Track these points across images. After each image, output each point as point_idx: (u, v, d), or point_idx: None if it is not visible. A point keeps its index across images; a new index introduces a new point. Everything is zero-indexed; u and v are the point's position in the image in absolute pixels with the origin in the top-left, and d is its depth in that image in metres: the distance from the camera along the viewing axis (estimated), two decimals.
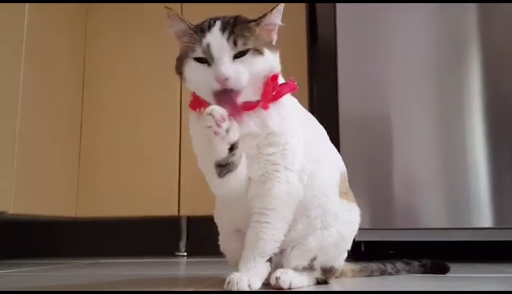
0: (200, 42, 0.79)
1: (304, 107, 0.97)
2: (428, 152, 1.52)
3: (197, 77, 0.80)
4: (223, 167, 0.81)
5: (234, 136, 0.79)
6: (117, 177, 1.97)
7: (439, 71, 1.56)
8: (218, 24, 0.81)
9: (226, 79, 0.77)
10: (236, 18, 0.83)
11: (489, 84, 1.52)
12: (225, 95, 0.78)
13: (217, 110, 0.76)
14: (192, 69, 0.81)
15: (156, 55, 2.03)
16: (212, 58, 0.78)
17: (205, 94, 0.80)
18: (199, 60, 0.80)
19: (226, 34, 0.79)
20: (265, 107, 0.83)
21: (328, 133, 0.98)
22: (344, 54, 1.62)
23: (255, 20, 0.84)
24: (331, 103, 1.65)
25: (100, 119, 2.03)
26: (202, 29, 0.81)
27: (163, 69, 2.01)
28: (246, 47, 0.79)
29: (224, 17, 0.84)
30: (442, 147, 1.52)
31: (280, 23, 0.86)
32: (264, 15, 0.85)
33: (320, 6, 2.26)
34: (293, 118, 0.87)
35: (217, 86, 0.78)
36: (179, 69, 0.84)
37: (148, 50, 2.04)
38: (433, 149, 1.52)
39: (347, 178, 0.97)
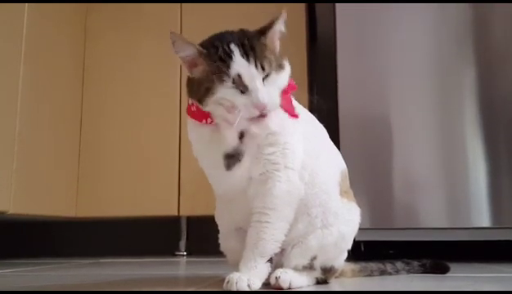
0: (228, 73, 0.78)
1: (304, 107, 0.97)
2: (428, 152, 1.52)
3: (234, 105, 0.79)
4: (232, 158, 0.83)
5: (243, 123, 0.80)
6: (117, 177, 1.97)
7: (439, 71, 1.56)
8: (236, 49, 0.79)
9: (265, 106, 0.78)
10: (248, 38, 0.82)
11: (489, 84, 1.52)
12: (257, 118, 0.79)
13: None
14: (227, 97, 0.78)
15: (156, 54, 2.03)
16: (245, 87, 0.78)
17: (239, 120, 0.79)
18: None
19: (253, 61, 0.78)
20: (296, 116, 0.86)
21: (328, 133, 0.98)
22: (344, 54, 1.62)
23: (263, 33, 0.83)
24: (331, 103, 1.65)
25: (100, 119, 2.04)
26: (222, 59, 0.79)
27: (162, 69, 2.01)
28: (272, 69, 0.80)
29: (232, 35, 0.82)
30: (441, 147, 1.52)
31: (283, 29, 0.86)
32: (271, 26, 0.84)
33: (319, 6, 2.26)
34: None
35: (257, 114, 0.78)
36: (199, 95, 0.81)
37: (148, 50, 2.05)
38: (433, 149, 1.52)
39: (347, 177, 0.97)
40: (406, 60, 1.58)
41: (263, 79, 0.79)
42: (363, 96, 1.58)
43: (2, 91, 1.56)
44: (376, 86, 1.58)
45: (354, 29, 1.63)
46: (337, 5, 1.65)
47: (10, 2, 1.61)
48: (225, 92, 0.78)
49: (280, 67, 0.82)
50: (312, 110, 1.00)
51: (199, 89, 0.81)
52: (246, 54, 0.79)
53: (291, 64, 0.86)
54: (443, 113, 1.53)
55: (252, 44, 0.80)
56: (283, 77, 0.82)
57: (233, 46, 0.80)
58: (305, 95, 1.85)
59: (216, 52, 0.80)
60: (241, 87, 0.78)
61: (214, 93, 0.79)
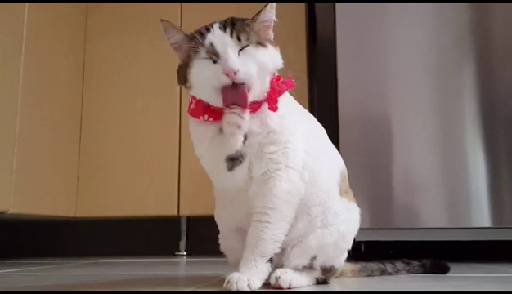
0: (203, 43, 0.79)
1: (304, 107, 0.97)
2: (428, 152, 1.52)
3: (204, 76, 0.80)
4: (235, 160, 0.83)
5: (247, 127, 0.81)
6: (117, 177, 1.97)
7: (439, 71, 1.56)
8: (217, 24, 0.81)
9: (236, 72, 0.77)
10: (232, 18, 0.84)
11: (489, 84, 1.52)
12: (234, 92, 0.78)
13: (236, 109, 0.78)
14: (198, 69, 0.80)
15: (156, 54, 2.03)
16: (217, 55, 0.79)
17: (213, 93, 0.79)
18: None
19: (229, 31, 0.80)
20: (274, 109, 0.84)
21: (328, 133, 0.98)
22: (344, 54, 1.62)
23: (252, 18, 0.85)
24: (331, 103, 1.65)
25: (99, 119, 2.04)
26: (201, 33, 0.81)
27: (162, 69, 2.01)
28: (249, 42, 0.80)
29: (219, 20, 0.84)
30: (441, 147, 1.52)
31: (274, 18, 0.87)
32: (259, 12, 0.86)
33: (319, 6, 2.26)
34: (292, 115, 0.87)
35: (226, 80, 0.77)
36: (183, 77, 0.82)
37: (148, 49, 2.05)
38: (433, 149, 1.52)
39: (347, 177, 0.97)
40: (406, 60, 1.58)
41: (240, 51, 0.79)
42: (363, 96, 1.58)
43: (2, 91, 1.57)
44: (376, 86, 1.58)
45: (354, 29, 1.63)
46: (337, 5, 1.65)
47: (10, 2, 1.61)
48: (198, 63, 0.80)
49: (261, 44, 0.82)
50: (312, 110, 1.00)
51: (181, 70, 0.83)
52: (224, 26, 0.80)
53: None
54: (443, 113, 1.53)
55: (233, 21, 0.82)
56: (263, 54, 0.81)
57: (215, 24, 0.82)
58: (305, 95, 1.86)
59: (198, 31, 0.82)
60: (213, 55, 0.79)
61: (191, 66, 0.80)
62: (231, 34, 0.79)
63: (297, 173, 0.86)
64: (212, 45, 0.79)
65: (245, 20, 0.85)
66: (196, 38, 0.80)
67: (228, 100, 0.78)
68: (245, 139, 0.82)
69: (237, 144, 0.81)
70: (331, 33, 1.68)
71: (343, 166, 0.98)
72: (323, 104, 2.06)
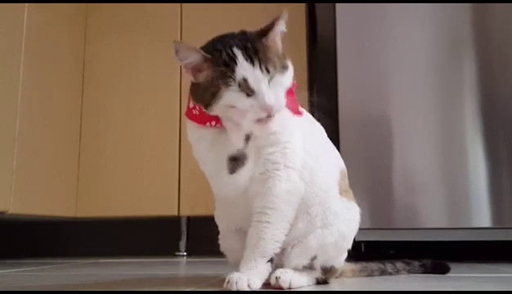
0: (233, 77, 0.77)
1: (304, 107, 0.97)
2: (428, 152, 1.52)
3: (240, 108, 0.78)
4: (237, 161, 0.83)
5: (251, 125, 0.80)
6: (117, 177, 1.97)
7: (439, 71, 1.56)
8: (239, 53, 0.79)
9: (272, 108, 0.77)
10: (250, 40, 0.81)
11: (489, 84, 1.52)
12: (266, 120, 0.78)
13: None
14: (233, 100, 0.78)
15: (156, 54, 2.03)
16: (251, 90, 0.77)
17: (247, 122, 0.79)
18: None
19: (257, 64, 0.78)
20: (300, 113, 0.86)
21: (328, 133, 0.98)
22: (344, 54, 1.62)
23: (264, 34, 0.83)
24: (331, 103, 1.65)
25: (100, 119, 2.04)
26: (226, 63, 0.78)
27: (163, 69, 2.01)
28: (276, 70, 0.80)
29: (234, 39, 0.82)
30: (442, 147, 1.52)
31: (284, 29, 0.86)
32: (272, 26, 0.84)
33: (320, 6, 2.26)
34: (292, 115, 0.87)
35: (264, 116, 0.77)
36: (208, 101, 0.80)
37: (148, 49, 2.05)
38: (433, 149, 1.52)
39: (346, 176, 0.97)
40: (406, 60, 1.58)
41: (268, 81, 0.79)
42: (363, 96, 1.58)
43: (2, 91, 1.56)
44: (376, 86, 1.58)
45: (354, 29, 1.63)
46: (337, 5, 1.65)
47: (10, 2, 1.61)
48: (231, 96, 0.78)
49: (284, 67, 0.82)
50: (312, 110, 1.00)
51: (204, 94, 0.80)
52: (250, 57, 0.78)
53: (291, 63, 0.86)
54: (443, 113, 1.53)
55: (255, 47, 0.80)
56: (287, 78, 0.82)
57: (236, 50, 0.79)
58: (305, 95, 1.86)
59: (220, 56, 0.79)
60: (247, 91, 0.77)
61: (220, 98, 0.78)
62: (261, 67, 0.78)
63: (296, 173, 0.86)
64: (245, 80, 0.77)
65: (260, 38, 0.82)
66: (224, 70, 0.78)
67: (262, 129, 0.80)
68: (248, 138, 0.82)
69: (239, 141, 0.82)
70: (331, 33, 1.68)
71: (343, 165, 0.98)
72: (323, 104, 2.06)
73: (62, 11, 1.94)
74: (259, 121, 0.78)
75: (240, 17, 1.94)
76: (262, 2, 1.93)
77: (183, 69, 0.83)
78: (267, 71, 0.79)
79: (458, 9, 1.57)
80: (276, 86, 0.79)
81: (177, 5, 2.06)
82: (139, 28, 2.07)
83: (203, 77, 0.81)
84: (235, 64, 0.78)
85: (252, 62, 0.78)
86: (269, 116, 0.78)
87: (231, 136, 0.81)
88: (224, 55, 0.79)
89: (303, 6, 1.98)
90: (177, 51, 0.80)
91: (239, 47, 0.79)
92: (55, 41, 1.88)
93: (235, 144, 0.82)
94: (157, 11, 2.07)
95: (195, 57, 0.81)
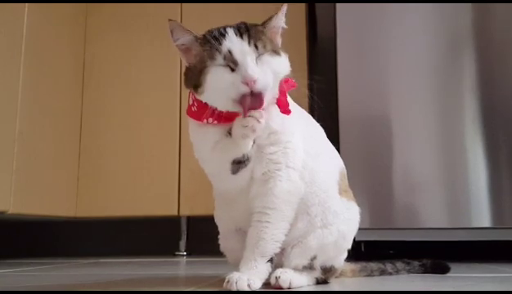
0: (219, 49, 0.78)
1: (304, 107, 0.97)
2: (428, 152, 1.52)
3: (222, 84, 0.77)
4: (241, 163, 0.83)
5: (261, 131, 0.81)
6: (117, 177, 1.97)
7: (439, 71, 1.56)
8: (231, 30, 0.80)
9: (255, 81, 0.76)
10: (245, 24, 0.82)
11: (489, 84, 1.52)
12: (252, 100, 0.77)
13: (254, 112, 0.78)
14: (216, 76, 0.78)
15: (156, 54, 2.03)
16: (235, 63, 0.77)
17: (229, 101, 0.78)
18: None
19: (246, 38, 0.78)
20: (288, 112, 0.84)
21: (328, 133, 0.98)
22: (344, 54, 1.62)
23: (262, 24, 0.84)
24: (331, 103, 1.65)
25: (100, 119, 2.04)
26: (215, 37, 0.79)
27: (163, 69, 2.02)
28: (266, 50, 0.80)
29: (229, 25, 0.82)
30: (441, 147, 1.52)
31: (284, 25, 0.86)
32: (270, 18, 0.84)
33: (320, 6, 2.26)
34: (292, 116, 0.87)
35: (245, 90, 0.76)
36: (193, 81, 0.81)
37: (148, 49, 2.05)
38: (433, 149, 1.52)
39: (346, 176, 0.97)
40: (406, 60, 1.58)
41: (256, 59, 0.78)
42: (363, 96, 1.58)
43: (2, 91, 1.56)
44: (376, 86, 1.58)
45: (354, 29, 1.63)
46: (337, 5, 1.65)
47: (10, 2, 1.61)
48: (215, 71, 0.78)
49: (275, 52, 0.82)
50: (312, 110, 1.00)
51: (193, 74, 0.81)
52: (240, 33, 0.79)
53: (291, 64, 0.85)
54: (443, 113, 1.53)
55: (248, 27, 0.81)
56: (278, 62, 0.81)
57: (228, 28, 0.80)
58: (305, 96, 1.85)
59: (211, 35, 0.81)
60: (231, 63, 0.77)
61: (206, 73, 0.78)
62: (249, 42, 0.78)
63: (297, 173, 0.86)
64: (230, 52, 0.77)
65: (257, 25, 0.83)
66: (211, 43, 0.79)
67: (247, 108, 0.77)
68: (254, 142, 0.82)
69: (247, 147, 0.81)
70: (331, 33, 1.68)
71: (342, 165, 0.98)
72: (323, 104, 2.06)
73: (62, 11, 1.94)
74: (244, 99, 0.77)
75: (240, 17, 1.92)
76: (262, 2, 1.93)
77: (178, 51, 0.84)
78: (256, 47, 0.79)
79: (458, 9, 1.57)
80: (263, 64, 0.79)
81: (177, 5, 2.06)
82: (139, 28, 2.07)
83: (193, 56, 0.83)
84: (224, 38, 0.79)
85: (241, 36, 0.79)
86: (255, 95, 0.76)
87: (239, 142, 0.81)
88: (216, 32, 0.80)
89: (303, 6, 1.98)
90: (171, 31, 0.82)
91: (232, 27, 0.81)
92: (55, 41, 1.88)
93: (243, 149, 0.82)
94: (157, 11, 2.07)
95: (187, 38, 0.82)
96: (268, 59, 0.80)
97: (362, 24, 1.63)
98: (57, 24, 1.90)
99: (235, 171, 0.84)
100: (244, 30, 0.80)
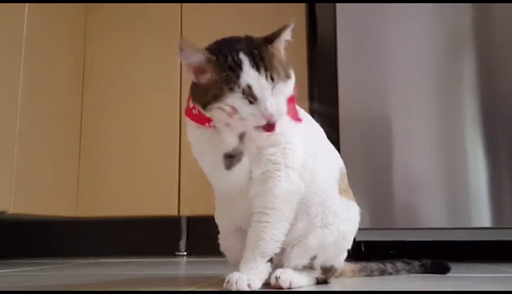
0: (238, 83, 0.77)
1: (304, 107, 0.97)
2: (428, 152, 1.52)
3: (241, 115, 0.78)
4: (233, 158, 0.83)
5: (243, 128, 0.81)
6: (117, 177, 1.97)
7: (439, 71, 1.56)
8: (246, 60, 0.79)
9: (273, 116, 0.77)
10: (256, 47, 0.81)
11: (489, 84, 1.52)
12: (267, 127, 0.79)
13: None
14: (235, 107, 0.77)
15: (156, 54, 2.03)
16: (255, 98, 0.77)
17: (244, 128, 0.80)
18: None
19: (263, 72, 0.78)
20: (300, 120, 0.86)
21: (328, 133, 0.98)
22: (344, 54, 1.62)
23: (270, 41, 0.83)
24: (331, 103, 1.65)
25: (100, 119, 2.03)
26: (232, 68, 0.78)
27: (163, 69, 2.02)
28: (280, 79, 0.80)
29: (240, 43, 0.81)
30: (442, 147, 1.52)
31: (290, 38, 0.86)
32: (278, 34, 0.84)
33: (320, 6, 2.26)
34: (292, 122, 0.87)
35: (264, 122, 0.78)
36: (208, 102, 0.79)
37: (148, 50, 2.05)
38: (433, 149, 1.52)
39: (346, 176, 0.98)
40: (406, 60, 1.58)
41: (271, 89, 0.79)
42: (363, 96, 1.58)
43: (2, 91, 1.56)
44: (376, 86, 1.58)
45: (354, 29, 1.63)
46: (337, 5, 1.65)
47: (10, 2, 1.61)
48: (233, 101, 0.78)
49: (287, 76, 0.82)
50: (312, 110, 1.00)
51: (205, 95, 0.80)
52: (256, 64, 0.78)
53: (291, 64, 0.86)
54: (443, 113, 1.53)
55: (261, 54, 0.80)
56: (289, 86, 0.82)
57: (242, 56, 0.79)
58: (305, 96, 1.86)
59: (225, 61, 0.79)
60: (250, 98, 0.78)
61: (222, 101, 0.78)
62: (266, 76, 0.78)
63: (296, 173, 0.86)
64: (249, 87, 0.77)
65: (266, 45, 0.82)
66: (229, 74, 0.78)
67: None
68: (242, 137, 0.83)
69: (231, 139, 0.82)
70: (332, 33, 1.68)
71: (342, 165, 0.98)
72: (323, 104, 2.06)
73: (62, 11, 1.94)
74: (258, 128, 0.79)
75: (240, 17, 1.94)
76: (262, 2, 1.93)
77: (185, 68, 0.83)
78: (272, 79, 0.79)
79: (458, 9, 1.57)
80: (278, 94, 0.79)
81: (177, 5, 2.06)
82: (139, 28, 2.07)
83: (206, 78, 0.81)
84: (241, 70, 0.78)
85: (258, 69, 0.78)
86: (269, 124, 0.78)
87: (224, 136, 0.82)
88: (230, 59, 0.79)
89: (303, 6, 1.98)
90: (181, 49, 0.80)
91: (245, 53, 0.79)
92: (55, 41, 1.88)
93: (230, 142, 0.82)
94: (157, 11, 2.07)
95: (199, 57, 0.80)
96: (282, 87, 0.80)
97: (362, 24, 1.63)
98: (57, 24, 1.90)
99: (228, 166, 0.84)
100: (258, 60, 0.79)
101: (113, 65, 2.06)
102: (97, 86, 2.06)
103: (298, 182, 0.86)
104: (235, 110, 0.78)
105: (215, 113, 0.80)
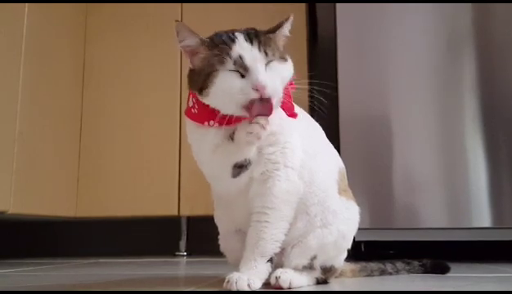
0: (230, 54, 0.77)
1: (304, 107, 0.97)
2: (429, 152, 1.52)
3: (231, 89, 0.77)
4: (243, 167, 0.83)
5: (265, 137, 0.81)
6: (117, 177, 1.97)
7: (439, 71, 1.56)
8: (241, 35, 0.79)
9: (265, 87, 0.76)
10: (254, 29, 0.83)
11: (489, 84, 1.52)
12: (261, 106, 0.77)
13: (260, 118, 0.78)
14: (226, 80, 0.77)
15: (156, 54, 2.03)
16: (246, 69, 0.77)
17: (238, 106, 0.77)
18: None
19: (256, 45, 0.78)
20: (295, 115, 0.86)
21: (328, 133, 0.98)
22: (344, 54, 1.62)
23: (271, 32, 0.84)
24: (331, 103, 1.65)
25: (100, 119, 2.03)
26: (224, 42, 0.79)
27: (163, 69, 2.01)
28: (274, 56, 0.80)
29: (237, 30, 0.82)
30: (442, 147, 1.52)
31: (288, 34, 0.86)
32: (279, 26, 0.84)
33: (320, 6, 2.26)
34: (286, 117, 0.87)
35: (255, 95, 0.76)
36: (199, 84, 0.80)
37: (148, 49, 2.05)
38: (433, 149, 1.52)
39: (345, 175, 0.97)
40: (406, 60, 1.58)
41: (265, 65, 0.78)
42: (363, 96, 1.58)
43: (2, 91, 1.56)
44: (376, 86, 1.58)
45: (354, 29, 1.63)
46: (337, 5, 1.65)
47: (10, 2, 1.61)
48: (224, 75, 0.77)
49: (283, 59, 0.82)
50: (312, 110, 1.00)
51: (199, 77, 0.80)
52: (250, 39, 0.79)
53: (292, 63, 0.86)
54: (443, 113, 1.53)
55: (257, 33, 0.81)
56: (285, 69, 0.82)
57: (237, 33, 0.80)
58: (305, 96, 1.85)
59: (220, 38, 0.80)
60: (242, 69, 0.77)
61: (214, 77, 0.78)
62: (259, 48, 0.78)
63: (295, 172, 0.86)
64: (241, 58, 0.77)
65: (265, 32, 0.83)
66: (221, 47, 0.78)
67: (255, 113, 0.77)
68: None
69: (250, 153, 0.82)
70: (332, 33, 1.68)
71: (342, 164, 0.98)
72: (323, 105, 2.06)
73: (62, 11, 1.93)
74: (253, 105, 0.76)
75: (240, 17, 1.94)
76: (262, 2, 1.93)
77: (183, 53, 0.83)
78: (266, 54, 0.79)
79: (458, 9, 1.57)
80: (272, 71, 0.79)
81: (177, 5, 2.05)
82: (139, 28, 2.07)
83: (199, 59, 0.82)
84: (234, 42, 0.78)
85: (251, 42, 0.79)
86: (264, 100, 0.76)
87: (242, 147, 0.81)
88: (224, 36, 0.80)
89: (303, 6, 1.98)
90: (177, 32, 0.81)
91: (241, 32, 0.81)
92: (55, 41, 1.88)
93: (246, 154, 0.82)
94: (157, 11, 2.07)
95: (193, 40, 0.81)
96: (277, 65, 0.80)
97: (362, 24, 1.63)
98: (57, 24, 1.90)
99: (235, 175, 0.84)
100: (253, 36, 0.80)
101: (113, 65, 2.06)
102: (97, 86, 2.06)
103: (297, 182, 0.86)
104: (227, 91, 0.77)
105: (214, 97, 0.78)
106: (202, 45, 0.81)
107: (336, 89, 1.61)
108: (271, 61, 0.79)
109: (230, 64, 0.77)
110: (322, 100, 0.90)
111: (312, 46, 2.10)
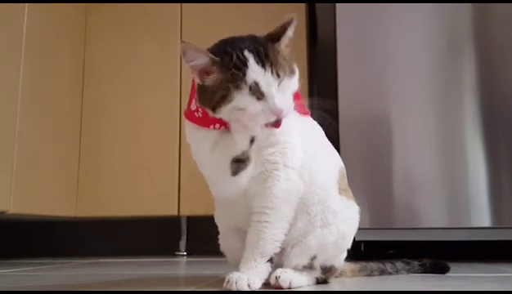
0: (245, 80, 0.77)
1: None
2: (428, 152, 1.52)
3: (250, 113, 0.78)
4: (241, 163, 0.83)
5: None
6: (117, 177, 1.97)
7: (439, 71, 1.56)
8: (251, 57, 0.78)
9: (282, 111, 0.77)
10: (261, 44, 0.81)
11: (489, 84, 1.52)
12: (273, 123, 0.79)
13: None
14: (244, 104, 0.77)
15: (156, 54, 2.03)
16: (262, 94, 0.77)
17: (254, 125, 0.79)
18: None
19: (269, 69, 0.78)
20: (307, 113, 0.88)
21: (328, 133, 0.98)
22: (344, 54, 1.62)
23: (275, 39, 0.83)
24: (331, 103, 1.65)
25: (100, 119, 2.04)
26: (237, 66, 0.78)
27: (163, 69, 2.02)
28: (285, 75, 0.80)
29: (244, 42, 0.81)
30: (441, 146, 1.52)
31: (292, 35, 0.86)
32: (282, 32, 0.84)
33: (320, 6, 2.26)
34: (291, 116, 0.87)
35: (273, 119, 0.78)
36: (213, 103, 0.79)
37: (148, 49, 2.05)
38: (433, 149, 1.52)
39: (345, 175, 0.98)
40: (406, 60, 1.58)
41: (278, 85, 0.79)
42: (363, 96, 1.58)
43: (2, 91, 1.56)
44: (376, 86, 1.58)
45: (354, 29, 1.63)
46: (337, 5, 1.65)
47: (10, 2, 1.61)
48: (242, 99, 0.77)
49: (292, 72, 0.82)
50: (312, 110, 1.00)
51: (213, 97, 0.79)
52: (261, 61, 0.78)
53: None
54: (443, 113, 1.53)
55: (266, 51, 0.80)
56: (295, 82, 0.82)
57: (247, 53, 0.78)
58: (305, 96, 1.85)
59: (230, 60, 0.79)
60: (258, 94, 0.77)
61: (231, 101, 0.77)
62: (272, 71, 0.78)
63: (295, 172, 0.86)
64: (257, 84, 0.77)
65: (271, 42, 0.82)
66: (235, 73, 0.77)
67: (266, 126, 0.79)
68: (252, 141, 0.82)
69: (244, 143, 0.81)
70: (332, 33, 1.68)
71: (342, 164, 0.98)
72: (323, 105, 2.06)
73: (62, 11, 1.94)
74: (267, 125, 0.78)
75: (240, 17, 1.94)
76: (262, 2, 1.93)
77: (190, 71, 0.82)
78: (278, 75, 0.78)
79: (458, 9, 1.57)
80: (284, 89, 0.79)
81: (177, 5, 2.06)
82: (139, 28, 2.07)
83: (211, 80, 0.80)
84: (247, 67, 0.77)
85: (263, 66, 0.78)
86: (277, 120, 0.78)
87: (236, 138, 0.81)
88: (235, 58, 0.78)
89: (303, 6, 1.98)
90: (184, 53, 0.79)
91: (250, 51, 0.79)
92: (55, 41, 1.88)
93: (241, 145, 0.82)
94: (157, 11, 2.07)
95: (203, 60, 0.79)
96: (288, 83, 0.80)
97: (362, 24, 1.63)
98: (57, 24, 1.90)
99: (235, 172, 0.83)
100: (263, 56, 0.79)
101: (113, 65, 2.06)
102: (97, 86, 2.06)
103: (297, 181, 0.86)
104: (248, 111, 0.77)
105: (228, 114, 0.79)
106: (213, 65, 0.79)
107: (336, 89, 1.61)
108: (282, 80, 0.79)
109: (246, 90, 0.77)
110: (327, 116, 0.91)
111: (311, 46, 2.10)
